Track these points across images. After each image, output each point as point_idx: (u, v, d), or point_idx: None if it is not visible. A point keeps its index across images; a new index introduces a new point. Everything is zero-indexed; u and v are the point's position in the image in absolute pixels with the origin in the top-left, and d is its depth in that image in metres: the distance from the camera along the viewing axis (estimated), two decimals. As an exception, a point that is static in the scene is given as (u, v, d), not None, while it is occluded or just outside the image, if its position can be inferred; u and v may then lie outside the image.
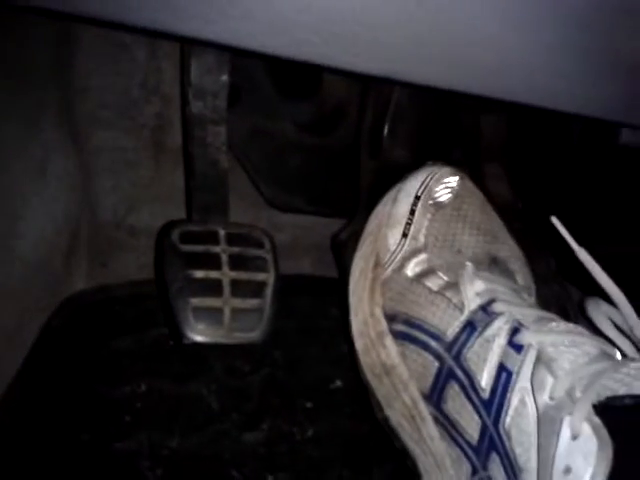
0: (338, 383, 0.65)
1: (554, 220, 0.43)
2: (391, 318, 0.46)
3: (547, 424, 0.35)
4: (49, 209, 0.59)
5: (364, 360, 0.48)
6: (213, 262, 0.44)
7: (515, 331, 0.39)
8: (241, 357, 0.63)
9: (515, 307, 0.42)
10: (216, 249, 0.45)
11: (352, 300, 0.49)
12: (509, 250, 0.49)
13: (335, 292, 0.73)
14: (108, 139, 0.64)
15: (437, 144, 0.66)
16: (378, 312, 0.47)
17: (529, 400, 0.37)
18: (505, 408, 0.38)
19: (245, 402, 0.61)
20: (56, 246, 0.60)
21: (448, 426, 0.42)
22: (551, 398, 0.36)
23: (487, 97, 0.34)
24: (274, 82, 0.66)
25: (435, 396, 0.43)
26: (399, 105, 0.57)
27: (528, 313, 0.41)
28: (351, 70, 0.31)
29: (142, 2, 0.28)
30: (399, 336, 0.45)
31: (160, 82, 0.65)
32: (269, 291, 0.46)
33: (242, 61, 0.60)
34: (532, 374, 0.37)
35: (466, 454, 0.41)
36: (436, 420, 0.43)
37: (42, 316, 0.59)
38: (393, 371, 0.45)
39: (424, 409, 0.44)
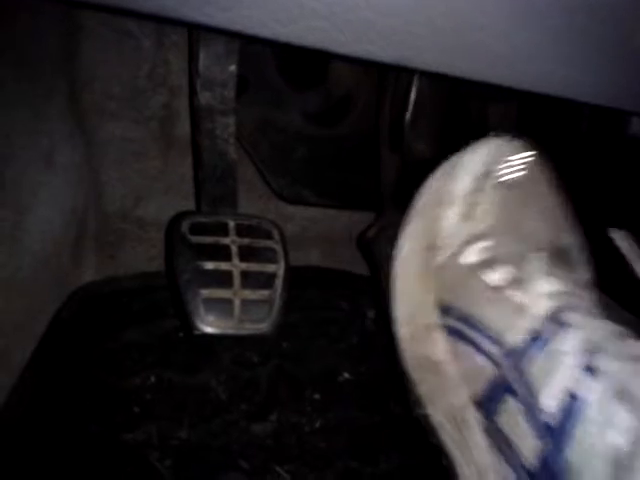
0: (346, 375, 0.65)
1: (615, 233, 0.41)
2: (443, 310, 0.41)
3: (623, 472, 0.30)
4: (56, 201, 0.59)
5: (408, 351, 0.43)
6: (223, 253, 0.44)
7: (590, 352, 0.34)
8: (250, 348, 0.63)
9: (588, 319, 0.36)
10: (226, 240, 0.45)
11: (398, 284, 0.44)
12: (574, 239, 0.43)
13: (344, 284, 0.73)
14: (115, 130, 0.64)
15: (461, 135, 0.65)
16: (430, 301, 0.42)
17: (599, 436, 0.32)
18: (569, 439, 0.33)
19: (253, 393, 0.61)
20: (64, 238, 0.60)
21: (500, 440, 0.37)
22: (626, 437, 0.31)
23: (498, 85, 0.34)
24: (281, 73, 0.66)
25: (487, 405, 0.38)
26: (419, 97, 0.55)
27: (602, 327, 0.36)
28: (362, 57, 0.31)
29: None
30: (451, 332, 0.40)
31: (167, 73, 0.64)
32: (279, 282, 0.45)
33: (249, 51, 0.59)
34: (607, 407, 0.32)
35: (519, 477, 0.36)
36: (486, 429, 0.39)
37: (51, 308, 0.59)
38: (440, 368, 0.41)
39: (472, 415, 0.39)
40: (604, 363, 0.33)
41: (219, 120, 0.49)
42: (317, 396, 0.63)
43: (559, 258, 0.41)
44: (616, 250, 0.43)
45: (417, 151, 0.55)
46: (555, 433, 0.34)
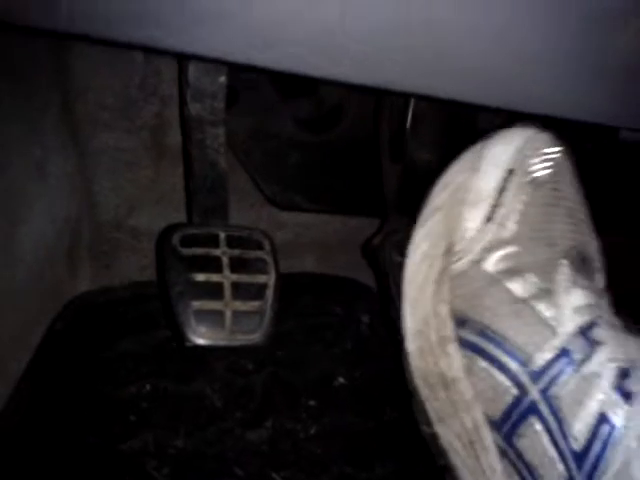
0: (341, 380, 0.66)
1: None
2: (460, 322, 0.38)
3: None
4: (50, 211, 0.59)
5: (417, 364, 0.40)
6: (214, 265, 0.45)
7: (624, 374, 0.32)
8: (244, 356, 0.63)
9: (616, 335, 0.35)
10: (217, 252, 0.45)
11: (409, 290, 0.40)
12: (595, 245, 0.40)
13: (338, 290, 0.74)
14: (108, 140, 0.65)
15: (462, 143, 0.65)
16: (445, 311, 0.38)
17: (637, 465, 0.30)
18: (602, 467, 0.31)
19: (248, 400, 0.61)
20: (58, 248, 0.61)
21: (519, 465, 0.35)
22: None
23: (476, 104, 0.34)
24: (273, 81, 0.66)
25: (506, 427, 0.36)
26: (419, 106, 0.54)
27: (631, 345, 0.34)
28: (339, 80, 0.32)
29: (131, 20, 0.28)
30: (468, 347, 0.37)
31: (159, 83, 0.65)
32: (270, 293, 0.46)
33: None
34: None
35: None
36: (503, 453, 0.36)
37: (46, 318, 0.59)
38: (453, 386, 0.38)
39: (488, 437, 0.37)
40: (638, 385, 0.32)
41: (209, 131, 0.49)
42: (312, 402, 0.63)
43: (585, 267, 0.38)
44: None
45: (419, 160, 0.54)
46: (586, 462, 0.32)
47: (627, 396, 0.32)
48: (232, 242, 0.46)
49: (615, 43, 0.31)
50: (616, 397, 0.32)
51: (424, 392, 0.40)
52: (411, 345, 0.40)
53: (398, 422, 0.64)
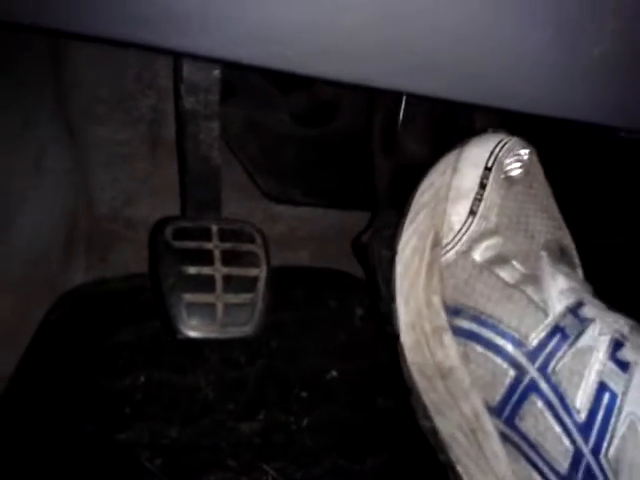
0: (334, 373, 0.66)
1: None
2: (454, 311, 0.39)
3: None
4: (46, 203, 0.60)
5: (412, 358, 0.41)
6: (206, 258, 0.45)
7: (618, 345, 0.34)
8: (238, 348, 0.64)
9: (606, 312, 0.36)
10: (209, 245, 0.46)
11: (401, 284, 0.41)
12: (571, 239, 0.43)
13: (332, 283, 0.74)
14: (104, 133, 0.65)
15: (454, 137, 0.65)
16: (437, 302, 0.39)
17: None
18: (609, 435, 0.32)
19: (242, 393, 0.62)
20: (54, 240, 0.61)
21: (524, 446, 0.36)
22: None
23: (465, 102, 0.35)
24: (268, 74, 0.66)
25: (507, 410, 0.37)
26: (411, 100, 0.55)
27: (618, 320, 0.36)
28: (328, 78, 0.32)
29: (122, 20, 0.29)
30: (463, 334, 0.38)
31: (155, 75, 0.65)
32: (261, 285, 0.46)
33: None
34: None
35: None
36: (504, 437, 0.37)
37: (41, 310, 0.59)
38: (451, 375, 0.39)
39: (488, 423, 0.38)
40: (632, 355, 0.33)
41: (203, 125, 0.49)
42: (305, 394, 0.64)
43: (564, 258, 0.41)
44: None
45: (411, 154, 0.54)
46: (591, 431, 0.33)
47: (623, 365, 0.33)
48: (224, 235, 0.47)
49: (594, 43, 0.31)
50: (613, 366, 0.33)
51: (422, 385, 0.41)
52: (407, 338, 0.41)
53: (390, 414, 0.65)
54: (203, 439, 0.58)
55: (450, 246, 0.40)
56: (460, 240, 0.40)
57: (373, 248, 0.48)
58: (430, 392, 0.40)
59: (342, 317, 0.70)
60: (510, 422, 0.37)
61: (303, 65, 0.31)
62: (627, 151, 0.59)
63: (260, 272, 0.46)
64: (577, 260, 0.42)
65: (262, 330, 0.47)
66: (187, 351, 0.62)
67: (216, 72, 0.49)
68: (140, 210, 0.68)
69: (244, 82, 0.65)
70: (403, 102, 0.53)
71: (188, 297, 0.43)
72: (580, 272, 0.42)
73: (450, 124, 0.58)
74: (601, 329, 0.35)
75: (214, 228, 0.47)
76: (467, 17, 0.31)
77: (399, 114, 0.54)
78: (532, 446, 0.36)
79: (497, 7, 0.30)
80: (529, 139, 0.68)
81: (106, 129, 0.64)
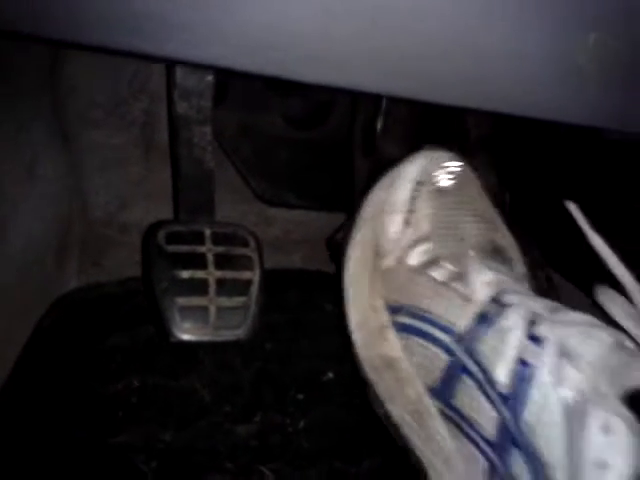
0: (330, 375, 0.66)
1: (569, 205, 0.43)
2: (394, 310, 0.44)
3: (573, 418, 0.34)
4: (40, 208, 0.60)
5: (363, 354, 0.46)
6: (199, 262, 0.45)
7: (532, 323, 0.38)
8: (233, 351, 0.64)
9: (526, 297, 0.40)
10: (202, 249, 0.46)
11: (349, 291, 0.47)
12: (507, 238, 0.48)
13: (326, 286, 0.74)
14: (97, 137, 0.65)
15: (431, 139, 0.66)
16: (380, 304, 0.45)
17: (552, 394, 0.35)
18: (526, 402, 0.36)
19: (237, 395, 0.62)
20: (47, 245, 0.61)
21: (460, 421, 0.40)
22: (575, 392, 0.35)
23: (452, 105, 0.35)
24: (261, 77, 0.66)
25: (444, 391, 0.41)
26: (391, 102, 0.56)
27: (541, 303, 0.40)
28: (321, 84, 0.32)
29: (114, 28, 0.29)
30: (403, 329, 0.44)
31: (148, 79, 0.65)
32: (254, 289, 0.46)
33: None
34: (553, 367, 0.36)
35: (482, 451, 0.39)
36: (444, 415, 0.42)
37: (35, 315, 0.59)
38: (395, 365, 0.44)
39: (430, 404, 0.42)
40: (546, 330, 0.37)
41: (196, 129, 0.50)
42: (301, 396, 0.64)
43: (496, 256, 0.45)
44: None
45: (390, 155, 0.56)
46: (511, 401, 0.37)
47: (537, 340, 0.37)
48: (217, 239, 0.47)
49: (587, 47, 0.31)
50: (528, 343, 0.37)
51: (373, 377, 0.46)
52: (357, 337, 0.46)
53: (386, 416, 0.65)
54: (199, 442, 0.58)
55: (389, 254, 0.45)
56: (397, 248, 0.45)
57: (344, 247, 0.50)
58: (380, 382, 0.45)
59: (336, 319, 0.70)
60: (447, 402, 0.41)
61: (296, 72, 0.31)
62: (616, 150, 0.59)
63: (253, 275, 0.47)
64: (515, 255, 0.47)
65: (256, 333, 0.47)
66: (181, 355, 0.62)
67: (209, 78, 0.49)
68: (134, 214, 0.68)
69: (237, 85, 0.65)
70: (383, 106, 0.55)
71: (181, 301, 0.43)
72: (519, 265, 0.47)
73: (428, 127, 0.60)
74: (519, 312, 0.38)
75: (207, 232, 0.47)
76: (458, 22, 0.31)
77: (379, 116, 0.55)
78: (466, 421, 0.40)
79: (488, 11, 0.31)
80: (524, 139, 0.69)
81: (100, 133, 0.65)
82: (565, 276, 0.65)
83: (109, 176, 0.67)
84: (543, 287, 0.61)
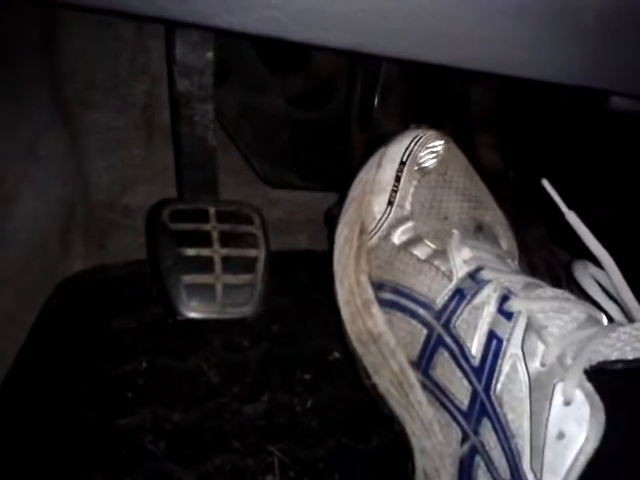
0: (336, 354, 0.66)
1: (544, 183, 0.43)
2: (378, 286, 0.46)
3: (539, 390, 0.36)
4: (42, 191, 0.59)
5: (350, 328, 0.48)
6: (204, 240, 0.45)
7: (504, 298, 0.40)
8: (240, 332, 0.64)
9: (503, 274, 0.42)
10: (206, 227, 0.46)
11: (337, 268, 0.49)
12: (493, 215, 0.49)
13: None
14: (99, 119, 0.64)
15: (428, 115, 0.65)
16: (364, 280, 0.47)
17: (520, 366, 0.37)
18: (496, 375, 0.38)
19: (245, 375, 0.62)
20: (51, 228, 0.61)
21: (437, 392, 0.43)
22: (542, 364, 0.36)
23: (454, 67, 0.35)
24: (262, 57, 0.66)
25: (423, 363, 0.43)
26: (389, 76, 0.56)
27: (516, 280, 0.42)
28: (317, 44, 0.32)
29: None
30: (386, 304, 0.46)
31: (148, 60, 0.64)
32: (260, 266, 0.46)
33: (229, 37, 0.59)
34: (522, 341, 0.38)
35: (456, 420, 0.41)
36: (424, 386, 0.44)
37: (40, 298, 0.59)
38: (380, 339, 0.46)
39: (412, 376, 0.44)
40: (517, 305, 0.39)
41: (198, 107, 0.49)
42: (308, 376, 0.64)
43: (480, 233, 0.47)
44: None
45: (386, 129, 0.56)
46: (483, 372, 0.39)
47: (508, 315, 0.39)
48: (222, 217, 0.47)
49: (587, 4, 0.31)
50: (500, 317, 0.39)
51: (360, 350, 0.48)
52: (344, 312, 0.48)
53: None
54: (207, 422, 0.59)
55: (374, 233, 0.47)
56: (381, 227, 0.47)
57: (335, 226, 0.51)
58: (366, 355, 0.47)
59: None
60: (426, 373, 0.43)
61: (291, 31, 0.31)
62: (619, 125, 0.59)
63: (259, 253, 0.47)
64: (500, 232, 0.48)
65: (262, 311, 0.47)
66: (189, 336, 0.62)
67: (209, 54, 0.48)
68: (137, 197, 0.68)
69: (238, 65, 0.65)
70: (381, 80, 0.54)
71: (187, 278, 0.43)
72: (504, 242, 0.48)
73: (424, 101, 0.59)
74: (494, 288, 0.40)
75: (211, 210, 0.47)
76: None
77: (376, 89, 0.55)
78: (442, 391, 0.42)
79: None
80: (528, 116, 0.68)
81: (101, 115, 0.64)
82: (570, 252, 0.65)
83: (111, 158, 0.66)
84: (549, 264, 0.61)
